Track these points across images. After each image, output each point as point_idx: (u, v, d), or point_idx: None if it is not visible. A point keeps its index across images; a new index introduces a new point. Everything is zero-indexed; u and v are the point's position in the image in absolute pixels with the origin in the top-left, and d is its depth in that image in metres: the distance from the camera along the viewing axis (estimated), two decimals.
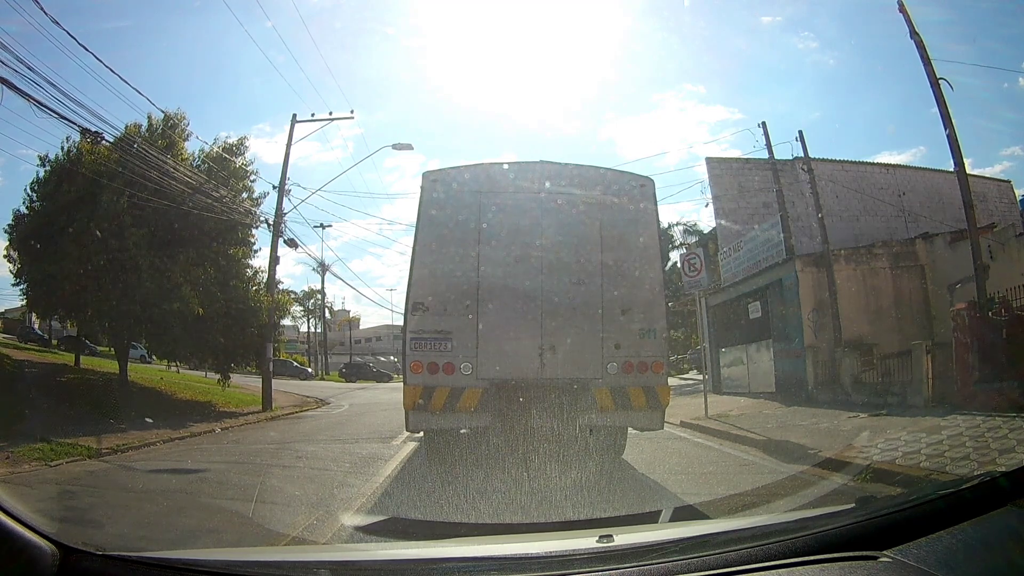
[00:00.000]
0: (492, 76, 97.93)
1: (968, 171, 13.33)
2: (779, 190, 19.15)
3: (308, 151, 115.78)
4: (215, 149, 18.12)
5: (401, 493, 6.26)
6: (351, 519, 4.93)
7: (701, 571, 1.68)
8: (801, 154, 18.61)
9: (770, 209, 20.70)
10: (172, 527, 4.96)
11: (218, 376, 18.36)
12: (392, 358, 57.03)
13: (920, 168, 24.46)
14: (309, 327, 60.96)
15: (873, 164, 24.28)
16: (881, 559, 1.68)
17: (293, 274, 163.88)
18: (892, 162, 35.56)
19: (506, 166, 7.98)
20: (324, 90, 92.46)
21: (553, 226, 7.23)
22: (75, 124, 12.41)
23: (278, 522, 5.04)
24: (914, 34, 12.84)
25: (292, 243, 20.13)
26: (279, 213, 18.89)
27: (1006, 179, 31.96)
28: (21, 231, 16.46)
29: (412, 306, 7.01)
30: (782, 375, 17.76)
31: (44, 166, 16.30)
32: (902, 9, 12.87)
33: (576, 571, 1.77)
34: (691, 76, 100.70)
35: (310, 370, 47.76)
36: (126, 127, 15.75)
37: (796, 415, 12.22)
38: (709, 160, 23.25)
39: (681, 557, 1.78)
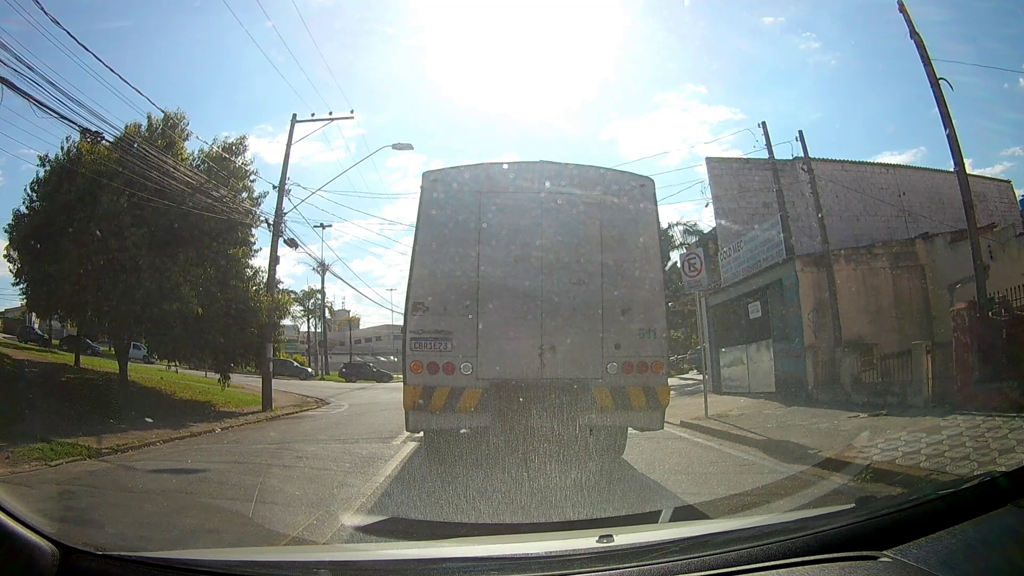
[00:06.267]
0: (493, 76, 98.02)
1: (968, 171, 13.35)
2: (779, 190, 19.15)
3: (310, 151, 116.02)
4: (215, 149, 18.14)
5: (401, 493, 6.25)
6: (351, 519, 4.93)
7: (701, 571, 1.68)
8: (801, 154, 18.63)
9: (770, 209, 20.70)
10: (172, 527, 4.95)
11: (218, 376, 18.36)
12: (392, 358, 57.02)
13: (920, 168, 24.48)
14: (309, 327, 61.06)
15: (873, 164, 24.29)
16: (881, 559, 1.68)
17: (293, 274, 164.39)
18: (892, 162, 35.62)
19: (506, 166, 7.98)
20: (325, 90, 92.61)
21: (553, 226, 7.23)
22: (75, 124, 12.42)
23: (278, 522, 5.03)
24: (914, 34, 12.84)
25: (292, 243, 20.15)
26: (279, 213, 18.89)
27: (1006, 179, 31.98)
28: (21, 231, 16.48)
29: (412, 306, 7.00)
30: (782, 375, 17.76)
31: (44, 166, 16.35)
32: (902, 9, 12.87)
33: (576, 571, 1.77)
34: (693, 76, 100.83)
35: (310, 370, 47.77)
36: (126, 127, 15.79)
37: (796, 415, 12.22)
38: (709, 160, 23.26)
39: (681, 557, 1.78)
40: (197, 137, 20.36)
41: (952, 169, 13.38)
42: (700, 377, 19.33)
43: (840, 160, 22.81)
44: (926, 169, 23.75)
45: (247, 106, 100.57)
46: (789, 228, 18.79)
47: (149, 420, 12.31)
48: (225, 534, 4.88)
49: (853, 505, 2.26)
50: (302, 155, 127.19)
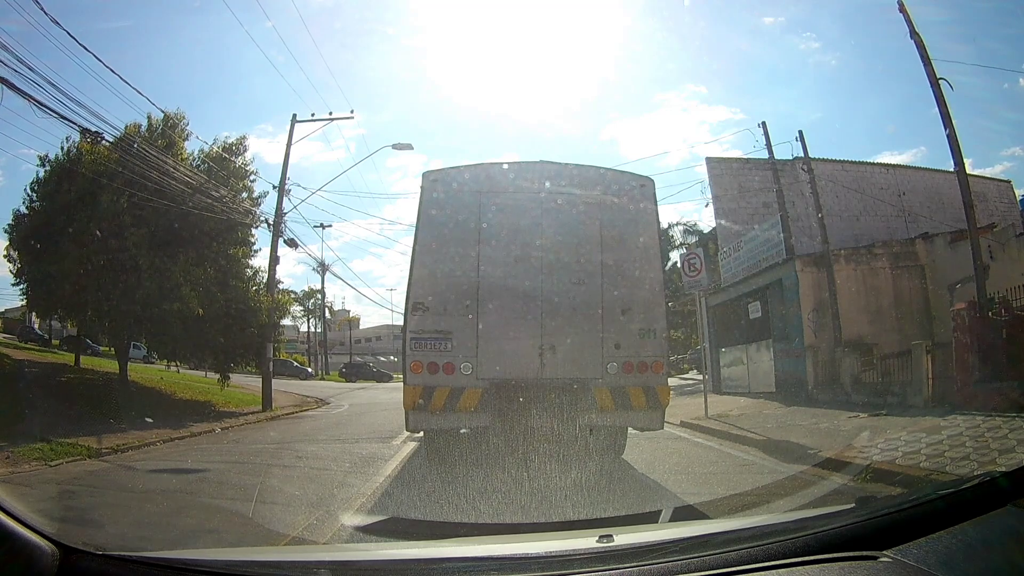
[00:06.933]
0: (493, 76, 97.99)
1: (968, 171, 13.35)
2: (779, 190, 19.15)
3: (310, 151, 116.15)
4: (215, 149, 18.14)
5: (401, 493, 6.26)
6: (351, 519, 4.93)
7: (701, 571, 1.68)
8: (801, 154, 18.64)
9: (770, 209, 20.70)
10: (172, 527, 4.96)
11: (218, 376, 18.37)
12: (392, 358, 57.03)
13: (920, 168, 24.49)
14: (309, 327, 61.01)
15: (873, 164, 24.31)
16: (881, 559, 1.68)
17: (293, 274, 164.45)
18: (892, 162, 35.62)
19: (506, 166, 7.98)
20: (325, 90, 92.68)
21: (553, 226, 7.22)
22: (75, 124, 12.44)
23: (278, 522, 5.03)
24: (914, 34, 12.84)
25: (292, 243, 20.17)
26: (279, 213, 18.90)
27: (1006, 179, 31.98)
28: (21, 231, 16.48)
29: (412, 306, 7.00)
30: (782, 375, 17.76)
31: (44, 166, 16.34)
32: (902, 9, 12.87)
33: (576, 571, 1.77)
34: (693, 76, 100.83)
35: (310, 370, 47.76)
36: (126, 127, 15.77)
37: (796, 415, 12.22)
38: (709, 160, 23.26)
39: (681, 557, 1.78)
40: (197, 137, 20.41)
41: (952, 169, 13.37)
42: (700, 377, 19.33)
43: (840, 160, 22.84)
44: (926, 169, 23.78)
45: (247, 106, 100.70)
46: (789, 228, 18.79)
47: (149, 420, 12.31)
48: (225, 534, 4.88)
49: (853, 505, 2.26)
50: (302, 155, 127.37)
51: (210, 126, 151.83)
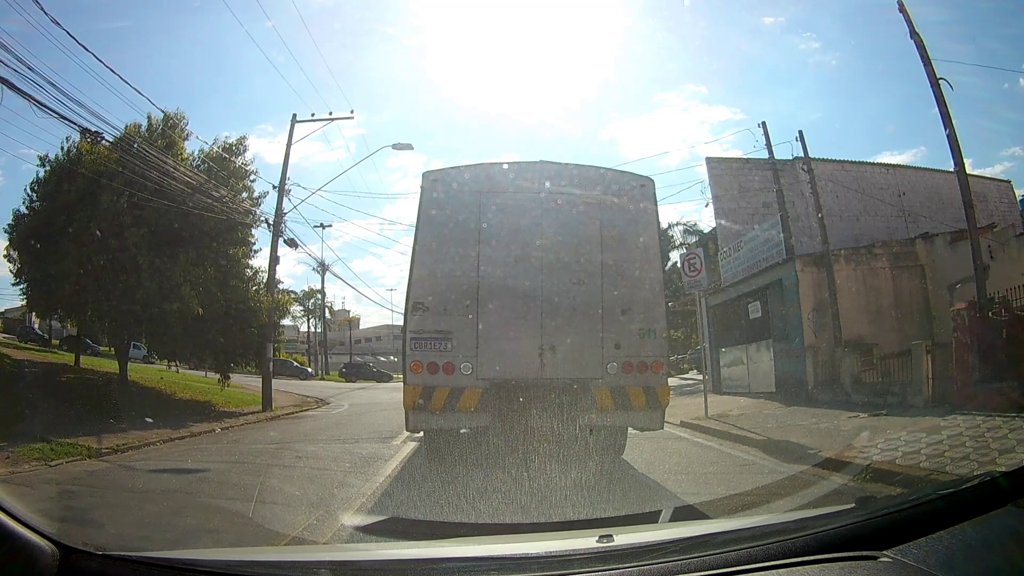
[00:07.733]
0: (493, 76, 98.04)
1: (968, 171, 13.36)
2: (779, 190, 19.15)
3: (310, 151, 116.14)
4: (215, 149, 18.14)
5: (401, 493, 6.26)
6: (351, 519, 4.93)
7: (701, 571, 1.68)
8: (801, 154, 18.63)
9: (770, 209, 20.71)
10: (172, 527, 4.96)
11: (218, 376, 18.37)
12: (392, 358, 57.03)
13: (920, 168, 24.50)
14: (309, 327, 61.03)
15: (873, 164, 24.33)
16: (881, 559, 1.68)
17: (293, 274, 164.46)
18: (892, 162, 35.65)
19: (506, 166, 7.98)
20: (325, 90, 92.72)
21: (553, 226, 7.22)
22: (75, 124, 12.44)
23: (278, 522, 5.04)
24: (914, 34, 12.85)
25: (292, 243, 20.18)
26: (279, 213, 18.90)
27: (1006, 179, 32.05)
28: (21, 231, 16.49)
29: (412, 306, 7.01)
30: (782, 375, 17.76)
31: (44, 166, 16.35)
32: (902, 9, 12.88)
33: (576, 571, 1.77)
34: (693, 76, 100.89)
35: (310, 370, 47.76)
36: (126, 127, 15.78)
37: (796, 415, 12.22)
38: (709, 160, 23.27)
39: (681, 557, 1.78)
40: (197, 137, 20.42)
41: (952, 169, 13.39)
42: (700, 377, 19.32)
43: (840, 160, 22.86)
44: (926, 169, 23.79)
45: (247, 106, 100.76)
46: (789, 228, 18.79)
47: (149, 420, 12.31)
48: (225, 534, 4.87)
49: (853, 505, 2.25)
50: (302, 155, 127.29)
51: (210, 126, 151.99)
